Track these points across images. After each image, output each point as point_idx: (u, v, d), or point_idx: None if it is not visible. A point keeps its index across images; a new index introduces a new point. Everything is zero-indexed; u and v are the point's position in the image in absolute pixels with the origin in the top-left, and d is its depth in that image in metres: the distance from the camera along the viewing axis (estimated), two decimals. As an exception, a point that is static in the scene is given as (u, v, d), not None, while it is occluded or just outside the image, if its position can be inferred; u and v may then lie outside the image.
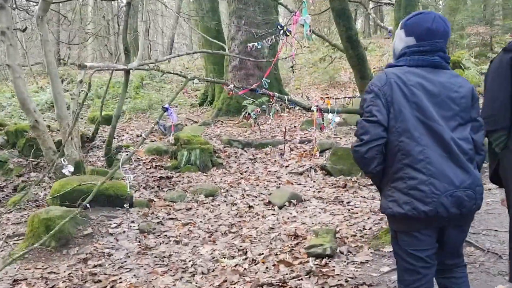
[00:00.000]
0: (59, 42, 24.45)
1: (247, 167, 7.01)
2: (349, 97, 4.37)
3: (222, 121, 9.75)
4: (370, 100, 1.95)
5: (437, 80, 1.97)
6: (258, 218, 4.89)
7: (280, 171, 6.77)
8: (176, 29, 26.86)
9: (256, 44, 3.88)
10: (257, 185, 6.18)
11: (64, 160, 4.85)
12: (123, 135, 9.59)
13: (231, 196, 5.74)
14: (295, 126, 8.90)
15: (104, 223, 4.64)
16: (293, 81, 3.65)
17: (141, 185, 6.44)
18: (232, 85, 3.58)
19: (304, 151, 7.46)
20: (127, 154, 3.22)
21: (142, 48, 7.47)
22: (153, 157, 7.64)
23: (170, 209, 5.29)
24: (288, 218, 4.77)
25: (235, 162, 7.22)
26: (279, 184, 6.20)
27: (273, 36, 3.85)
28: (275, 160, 7.26)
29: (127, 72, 7.64)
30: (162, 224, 4.72)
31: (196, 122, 9.96)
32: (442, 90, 1.97)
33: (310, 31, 3.46)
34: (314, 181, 5.80)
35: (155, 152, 7.79)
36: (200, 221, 4.88)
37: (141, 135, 9.81)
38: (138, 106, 14.50)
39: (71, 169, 4.67)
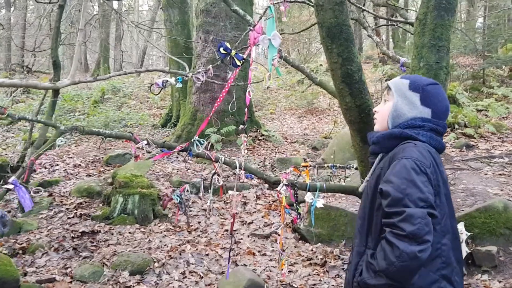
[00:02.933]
0: (24, 49, 22.64)
1: (199, 222, 5.45)
2: (339, 167, 2.92)
3: (179, 152, 8.19)
4: (424, 184, 1.47)
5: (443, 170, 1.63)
6: (197, 324, 3.34)
7: (241, 231, 5.24)
8: (148, 42, 25.36)
9: (196, 75, 2.41)
10: (207, 254, 4.63)
11: None
12: (57, 165, 7.91)
13: (167, 274, 4.16)
14: (265, 165, 7.40)
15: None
16: (244, 140, 2.39)
17: (53, 245, 4.80)
18: (145, 142, 2.10)
19: (274, 202, 5.97)
20: None
21: (76, 62, 5.89)
22: (82, 200, 6.00)
23: (73, 297, 3.69)
24: (241, 329, 3.23)
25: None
26: (237, 253, 4.67)
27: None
28: (236, 213, 5.73)
29: (55, 92, 6.05)
30: (47, 336, 3.11)
31: (148, 152, 8.37)
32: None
33: (280, 57, 1.99)
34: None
35: (86, 194, 6.15)
36: (111, 326, 3.29)
37: (80, 165, 8.16)
38: (92, 124, 12.80)
39: None
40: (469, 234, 3.98)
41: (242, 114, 9.26)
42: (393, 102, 1.67)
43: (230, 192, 2.23)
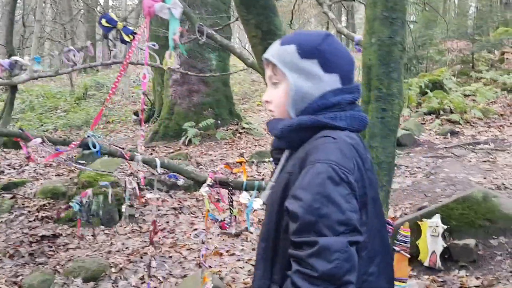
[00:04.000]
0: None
1: (167, 222, 5.16)
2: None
3: (154, 148, 7.87)
4: (346, 199, 1.06)
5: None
6: (148, 336, 3.06)
7: (211, 230, 4.96)
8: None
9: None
10: (171, 256, 4.35)
11: None
12: (27, 165, 7.58)
13: (125, 279, 3.88)
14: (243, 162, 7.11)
15: None
16: (142, 135, 2.12)
17: (8, 251, 4.51)
18: (39, 140, 1.81)
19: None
20: None
21: (34, 55, 5.53)
22: (46, 202, 5.70)
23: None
24: None
25: (153, 214, 5.35)
26: (203, 254, 4.37)
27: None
28: (208, 210, 5.43)
29: (13, 88, 5.72)
30: None
31: (123, 149, 8.05)
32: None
33: (201, 33, 1.69)
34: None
35: (50, 195, 5.84)
36: None
37: (51, 164, 7.83)
38: (72, 122, 12.48)
39: None
40: (445, 227, 3.72)
41: (222, 106, 8.94)
42: (286, 83, 1.21)
43: (148, 195, 1.94)
